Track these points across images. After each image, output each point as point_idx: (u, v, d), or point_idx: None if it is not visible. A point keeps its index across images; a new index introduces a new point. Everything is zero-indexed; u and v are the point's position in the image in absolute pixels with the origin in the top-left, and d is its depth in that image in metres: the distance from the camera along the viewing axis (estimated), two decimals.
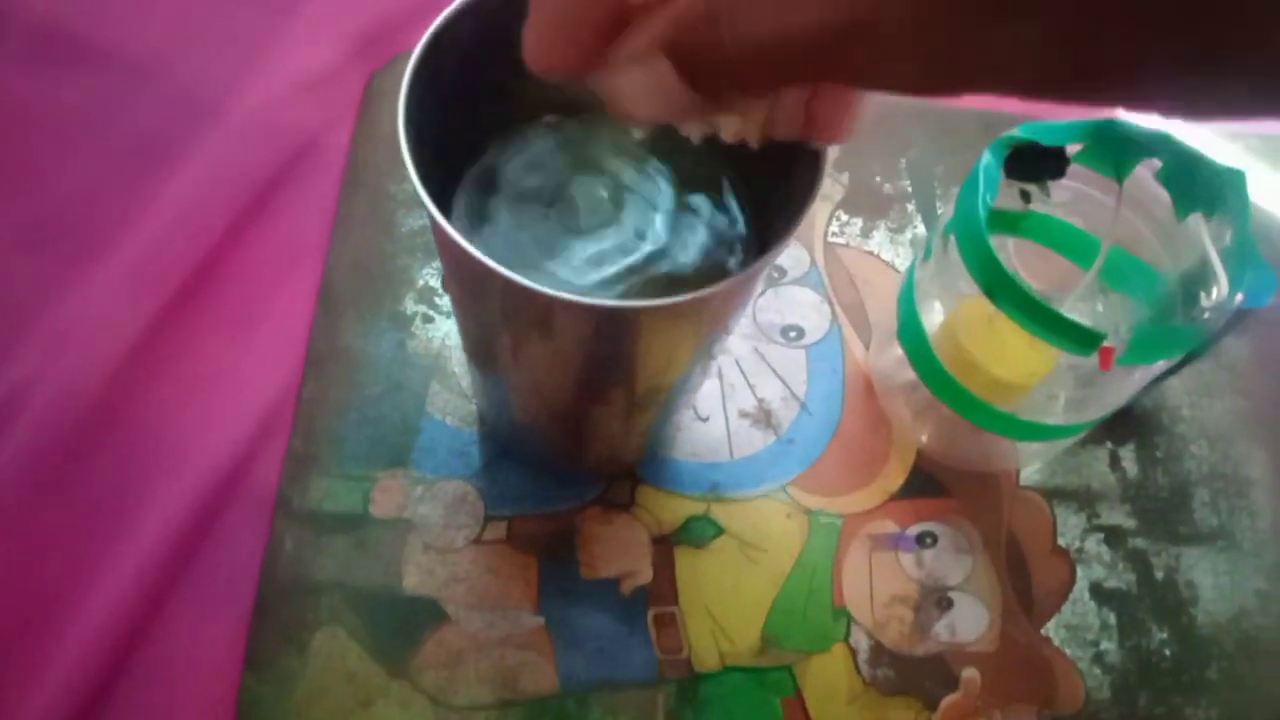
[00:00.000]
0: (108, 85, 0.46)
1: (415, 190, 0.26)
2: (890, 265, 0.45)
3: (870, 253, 0.45)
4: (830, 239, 0.45)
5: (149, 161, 0.44)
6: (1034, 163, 0.35)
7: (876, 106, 0.48)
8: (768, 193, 0.31)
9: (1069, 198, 0.38)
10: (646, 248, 0.32)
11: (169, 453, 0.39)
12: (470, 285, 0.29)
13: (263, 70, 0.47)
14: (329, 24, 0.48)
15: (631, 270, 0.32)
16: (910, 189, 0.46)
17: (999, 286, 0.32)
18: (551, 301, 0.25)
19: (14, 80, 0.46)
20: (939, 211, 0.46)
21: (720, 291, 0.26)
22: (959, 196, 0.34)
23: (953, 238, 0.34)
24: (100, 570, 0.37)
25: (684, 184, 0.33)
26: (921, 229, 0.46)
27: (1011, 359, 0.36)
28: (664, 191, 0.32)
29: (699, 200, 0.33)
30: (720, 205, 0.33)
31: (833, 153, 0.28)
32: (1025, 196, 0.36)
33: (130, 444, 0.39)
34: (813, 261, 0.45)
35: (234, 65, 0.47)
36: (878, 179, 0.47)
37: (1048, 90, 0.16)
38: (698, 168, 0.33)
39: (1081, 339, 0.31)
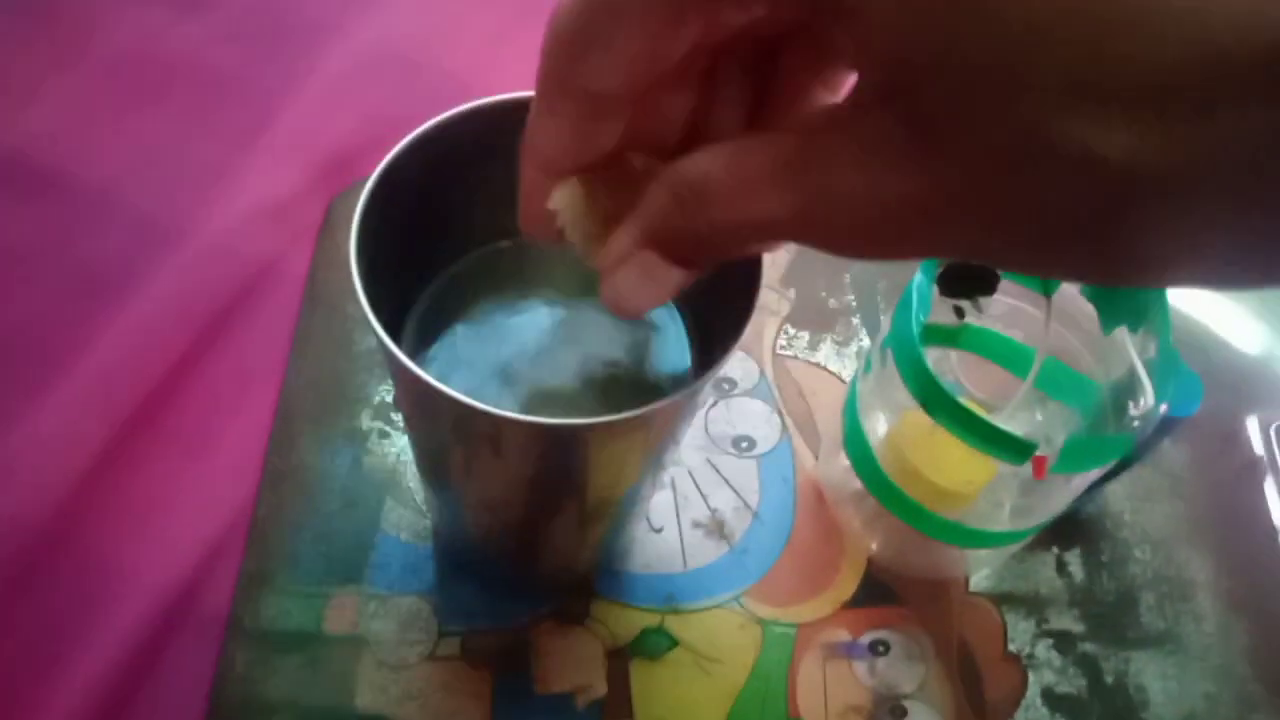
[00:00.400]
0: (62, 213, 0.47)
1: (363, 309, 0.26)
2: (837, 377, 0.46)
3: (817, 365, 0.46)
4: (779, 351, 0.46)
5: (103, 289, 0.44)
6: (965, 280, 0.36)
7: None
8: (711, 307, 0.33)
9: (1004, 311, 0.39)
10: (597, 367, 0.33)
11: (117, 578, 0.38)
12: (420, 405, 0.30)
13: (221, 198, 0.48)
14: (288, 152, 0.49)
15: (585, 386, 0.33)
16: (854, 303, 0.48)
17: (934, 399, 0.33)
18: (498, 420, 0.26)
19: None
20: (882, 325, 0.47)
21: (665, 407, 0.27)
22: (894, 314, 0.35)
23: (890, 353, 0.35)
24: (44, 697, 0.36)
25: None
26: (866, 341, 0.47)
27: (953, 468, 0.37)
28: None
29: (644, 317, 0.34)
30: (665, 320, 0.34)
31: (774, 271, 0.29)
32: (959, 312, 0.37)
33: (77, 571, 0.39)
34: (762, 373, 0.46)
35: (192, 193, 0.48)
36: (823, 294, 0.48)
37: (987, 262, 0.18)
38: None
39: (1014, 449, 0.32)
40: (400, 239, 0.30)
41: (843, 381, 0.46)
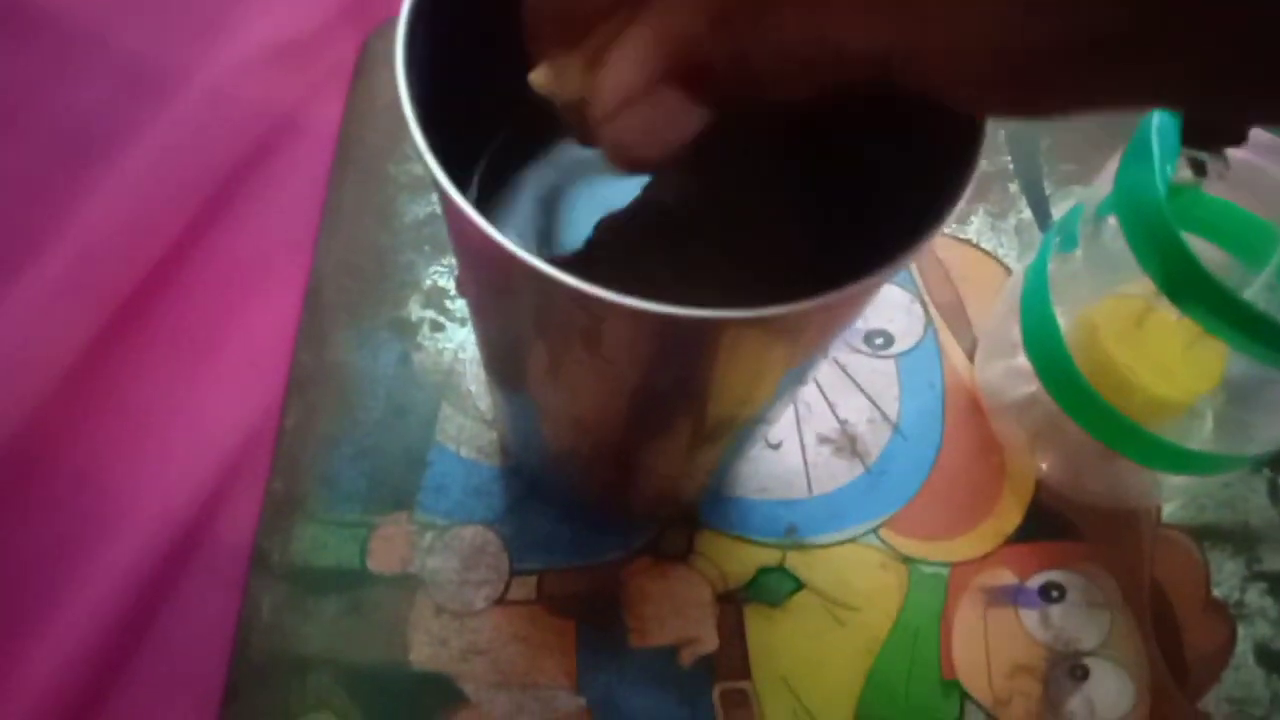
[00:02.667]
0: (39, 58, 0.39)
1: (418, 149, 0.18)
2: (993, 256, 0.37)
3: (968, 241, 0.38)
4: None
5: (88, 149, 0.37)
6: (1212, 124, 0.27)
7: None
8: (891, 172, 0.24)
9: (1237, 173, 0.30)
10: (726, 247, 0.25)
11: (113, 504, 0.32)
12: (493, 285, 0.22)
13: (229, 36, 0.39)
14: None
15: (708, 272, 0.25)
16: (1011, 166, 0.39)
17: (1185, 281, 0.25)
18: (605, 307, 0.18)
19: None
20: (1048, 192, 0.38)
21: (832, 302, 0.19)
22: (1122, 167, 0.27)
23: (1107, 222, 0.27)
24: (29, 652, 0.30)
25: (777, 162, 0.26)
26: (1026, 213, 0.38)
27: (1169, 369, 0.29)
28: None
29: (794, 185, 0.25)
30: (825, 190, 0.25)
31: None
32: (1198, 168, 0.28)
33: (64, 496, 0.32)
34: None
35: (194, 31, 0.39)
36: None
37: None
38: (790, 146, 0.26)
39: None
40: (462, 66, 0.22)
41: (999, 262, 0.37)
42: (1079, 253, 0.29)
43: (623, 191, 0.25)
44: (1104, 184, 0.28)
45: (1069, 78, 0.13)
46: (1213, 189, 0.31)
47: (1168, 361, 0.30)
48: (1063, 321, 0.30)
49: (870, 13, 0.14)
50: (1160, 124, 0.26)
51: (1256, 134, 0.29)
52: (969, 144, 0.20)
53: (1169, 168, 0.25)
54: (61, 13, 0.39)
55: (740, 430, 0.28)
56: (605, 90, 0.16)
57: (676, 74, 0.16)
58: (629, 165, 0.17)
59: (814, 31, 0.14)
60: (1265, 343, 0.24)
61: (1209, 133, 0.27)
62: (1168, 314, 0.28)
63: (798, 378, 0.26)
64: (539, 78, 0.19)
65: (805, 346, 0.23)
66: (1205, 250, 0.32)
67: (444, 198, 0.19)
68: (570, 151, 0.26)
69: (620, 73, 0.16)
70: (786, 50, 0.15)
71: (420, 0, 0.20)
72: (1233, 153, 0.29)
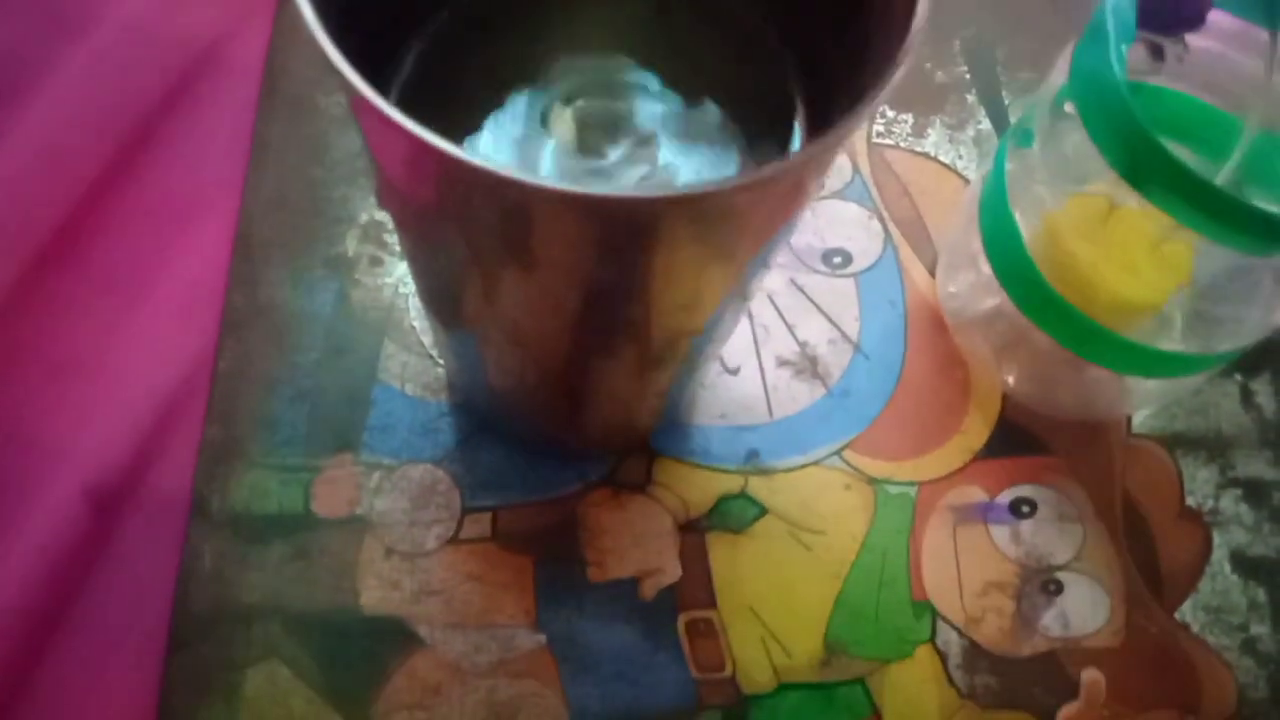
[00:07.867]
0: None
1: (317, 39, 0.17)
2: (951, 169, 0.36)
3: (925, 154, 0.36)
4: (875, 140, 0.36)
5: (1, 86, 0.35)
6: (1165, 7, 0.26)
7: None
8: (828, 55, 0.23)
9: (1199, 62, 0.29)
10: (662, 145, 0.23)
11: (39, 458, 0.30)
12: (412, 186, 0.21)
13: None
14: None
15: (647, 172, 0.23)
16: (967, 76, 0.38)
17: (1149, 166, 0.24)
18: (534, 195, 0.17)
19: None
20: (1006, 102, 0.37)
21: (773, 177, 0.18)
22: (1077, 52, 0.25)
23: (1069, 110, 0.26)
24: None
25: (717, 53, 0.24)
26: (985, 124, 0.37)
27: (1138, 269, 0.28)
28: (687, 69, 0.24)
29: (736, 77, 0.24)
30: (766, 81, 0.24)
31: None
32: (1157, 51, 0.27)
33: None
34: (855, 169, 0.36)
35: None
36: (928, 66, 0.38)
37: None
38: (738, 38, 0.24)
39: (1270, 233, 0.23)
40: None
41: (958, 175, 0.36)
42: (1036, 149, 0.28)
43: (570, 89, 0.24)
44: (1059, 77, 0.27)
45: None
46: (1174, 84, 0.30)
47: (1135, 260, 0.28)
48: (1024, 226, 0.29)
49: None
50: (1115, 4, 0.25)
51: (1217, 19, 0.27)
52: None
53: (1124, 48, 0.24)
54: None
55: (691, 346, 0.27)
56: None
57: None
58: None
59: None
60: (1230, 224, 0.23)
61: (1163, 14, 0.26)
62: (1133, 210, 0.27)
63: (745, 283, 0.24)
64: None
65: (751, 238, 0.22)
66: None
67: (344, 85, 0.17)
68: (515, 47, 0.25)
69: None
70: None
71: None
72: (1193, 40, 0.28)
